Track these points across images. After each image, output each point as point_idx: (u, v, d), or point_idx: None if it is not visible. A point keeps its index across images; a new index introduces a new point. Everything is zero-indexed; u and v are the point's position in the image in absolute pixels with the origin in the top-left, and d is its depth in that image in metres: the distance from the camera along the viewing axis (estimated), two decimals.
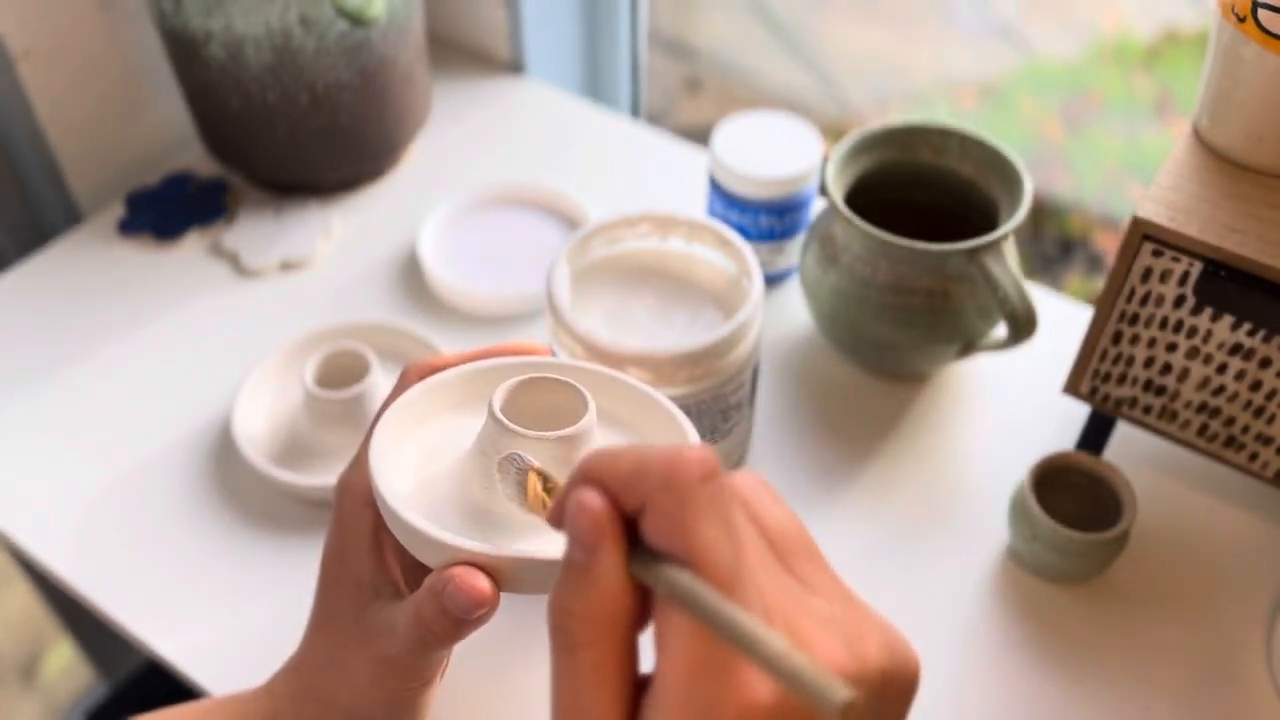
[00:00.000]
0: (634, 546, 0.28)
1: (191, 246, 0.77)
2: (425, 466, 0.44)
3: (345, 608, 0.43)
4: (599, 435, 0.43)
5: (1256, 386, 0.52)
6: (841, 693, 0.25)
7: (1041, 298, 0.72)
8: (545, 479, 0.39)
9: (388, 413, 0.43)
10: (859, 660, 0.29)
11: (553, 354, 0.49)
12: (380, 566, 0.43)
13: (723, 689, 0.27)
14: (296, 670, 0.45)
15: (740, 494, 0.31)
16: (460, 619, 0.38)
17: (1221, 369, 0.53)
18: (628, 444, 0.31)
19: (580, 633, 0.28)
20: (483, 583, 0.38)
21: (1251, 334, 0.51)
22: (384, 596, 0.42)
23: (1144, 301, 0.53)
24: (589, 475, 0.29)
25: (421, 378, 0.45)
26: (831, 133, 1.01)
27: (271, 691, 0.45)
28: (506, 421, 0.41)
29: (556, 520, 0.30)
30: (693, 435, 0.43)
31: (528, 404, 0.43)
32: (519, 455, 0.40)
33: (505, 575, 0.39)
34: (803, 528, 0.32)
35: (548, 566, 0.38)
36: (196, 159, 0.83)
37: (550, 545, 0.41)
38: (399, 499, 0.40)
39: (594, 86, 0.98)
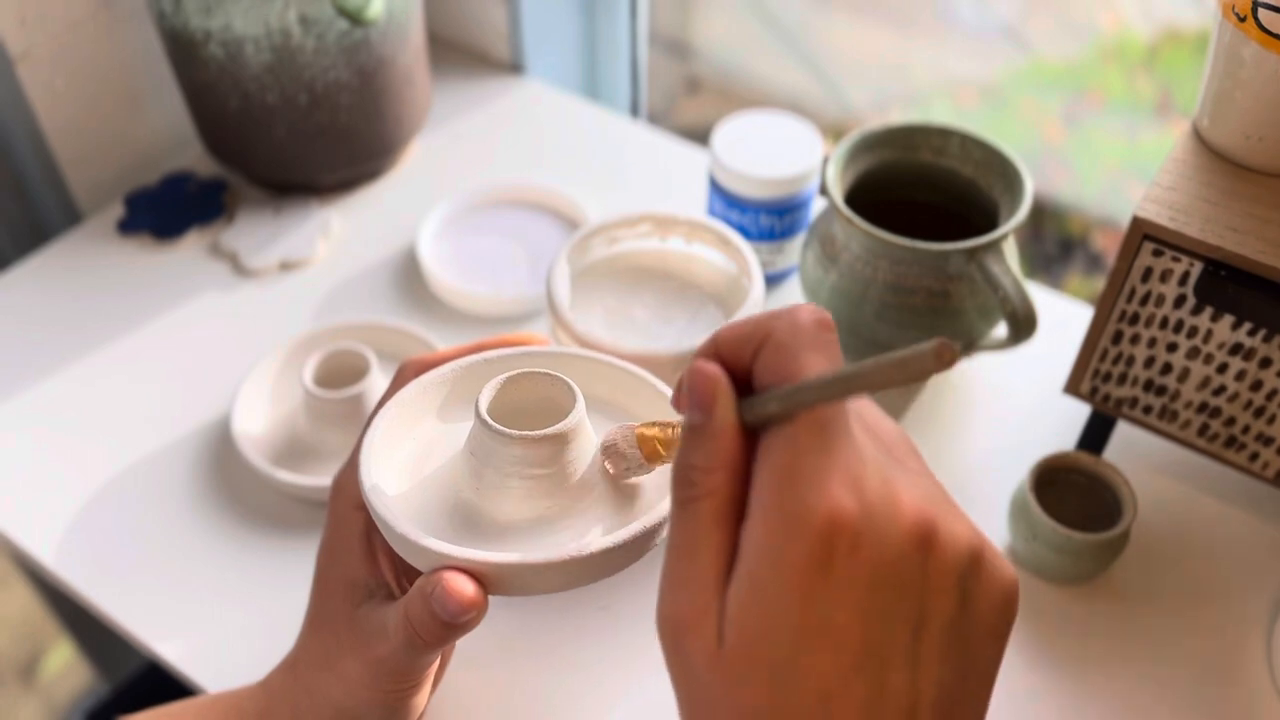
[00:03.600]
0: (744, 398, 0.31)
1: (191, 246, 0.77)
2: (419, 466, 0.44)
3: (338, 608, 0.43)
4: (589, 427, 0.43)
5: (1257, 386, 0.52)
6: (932, 342, 0.27)
7: (1042, 298, 0.72)
8: (653, 422, 0.40)
9: (380, 413, 0.43)
10: (949, 526, 0.30)
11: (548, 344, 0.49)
12: (372, 568, 0.43)
13: (811, 492, 0.28)
14: (291, 668, 0.45)
15: (855, 406, 0.32)
16: (448, 623, 0.39)
17: (1222, 369, 0.53)
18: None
19: (702, 482, 0.30)
20: (470, 588, 0.38)
21: (1252, 334, 0.51)
22: (376, 597, 0.42)
23: (1144, 301, 0.52)
24: (715, 342, 0.32)
25: (417, 375, 0.45)
26: (832, 133, 1.01)
27: (267, 688, 0.45)
28: (491, 422, 0.40)
29: (681, 400, 0.32)
30: None
31: (520, 399, 0.43)
32: (620, 428, 0.41)
33: (493, 579, 0.39)
34: (910, 440, 0.33)
35: (535, 570, 0.39)
36: (196, 159, 0.83)
37: (537, 548, 0.41)
38: (387, 504, 0.40)
39: (594, 86, 0.98)
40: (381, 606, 0.42)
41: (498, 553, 0.39)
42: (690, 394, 0.31)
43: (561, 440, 0.41)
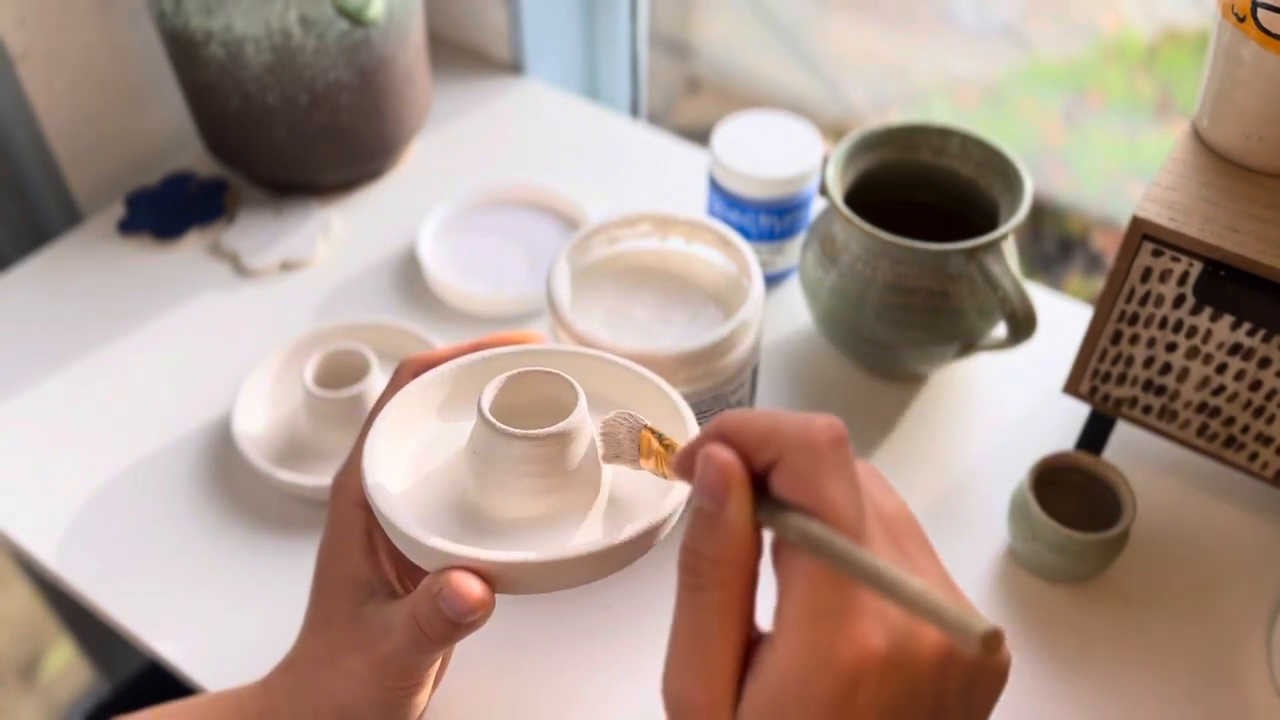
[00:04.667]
0: (759, 498, 0.31)
1: (191, 246, 0.77)
2: (421, 464, 0.44)
3: (340, 606, 0.43)
4: (591, 425, 0.43)
5: (1256, 386, 0.52)
6: (983, 623, 0.26)
7: (1041, 297, 0.72)
8: (660, 436, 0.40)
9: (382, 412, 0.43)
10: (936, 644, 0.30)
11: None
12: (374, 566, 0.43)
13: (841, 634, 0.28)
14: (292, 667, 0.45)
15: (865, 484, 0.32)
16: (455, 622, 0.39)
17: (1221, 369, 0.53)
18: (762, 409, 0.33)
19: (709, 573, 0.30)
20: (477, 587, 0.38)
21: (1251, 334, 0.51)
22: (379, 596, 0.42)
23: (1144, 301, 0.53)
24: (722, 431, 0.31)
25: (415, 373, 0.45)
26: (832, 133, 1.01)
27: (267, 687, 0.45)
28: (494, 421, 0.40)
29: (684, 470, 0.32)
30: (687, 413, 0.44)
31: (521, 397, 0.43)
32: (630, 414, 0.41)
33: (499, 578, 0.39)
34: (913, 516, 0.33)
35: (542, 568, 0.39)
36: (196, 159, 0.83)
37: (542, 546, 0.41)
38: (391, 504, 0.40)
39: (594, 86, 0.98)
40: (385, 605, 0.42)
41: (504, 551, 0.39)
42: (703, 480, 0.31)
43: (565, 439, 0.41)
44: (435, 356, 0.46)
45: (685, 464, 0.32)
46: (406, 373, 0.45)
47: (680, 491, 0.41)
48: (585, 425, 0.42)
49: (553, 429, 0.40)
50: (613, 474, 0.44)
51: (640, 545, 0.40)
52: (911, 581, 0.28)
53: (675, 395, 0.44)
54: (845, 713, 0.28)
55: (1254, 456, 0.55)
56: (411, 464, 0.43)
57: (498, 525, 0.42)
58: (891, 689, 0.29)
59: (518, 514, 0.42)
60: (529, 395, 0.43)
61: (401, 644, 0.40)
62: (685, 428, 0.43)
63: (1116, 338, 0.54)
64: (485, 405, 0.41)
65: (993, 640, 0.27)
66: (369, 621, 0.42)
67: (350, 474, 0.44)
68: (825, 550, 0.29)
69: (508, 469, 0.41)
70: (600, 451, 0.42)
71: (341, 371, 0.63)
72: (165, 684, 0.65)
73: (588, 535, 0.41)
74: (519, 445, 0.40)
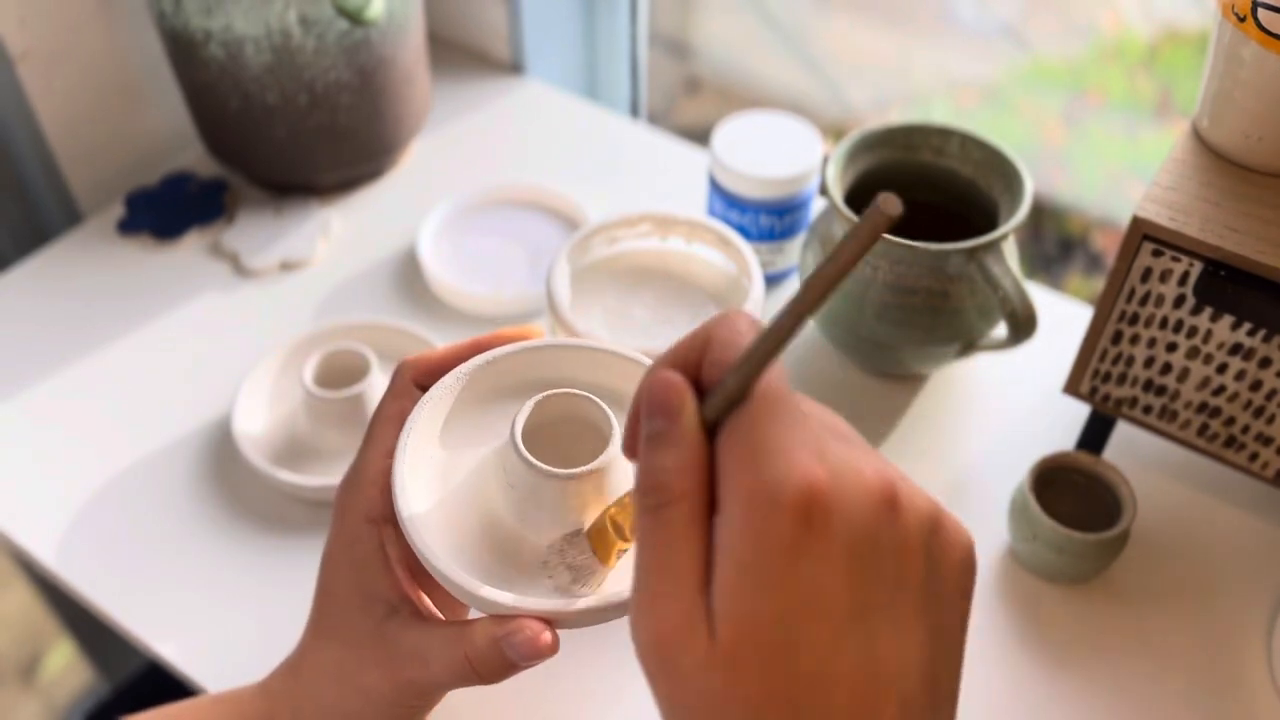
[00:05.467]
0: (702, 400, 0.32)
1: (191, 246, 0.77)
2: (442, 488, 0.43)
3: (356, 621, 0.42)
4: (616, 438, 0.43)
5: (1256, 386, 0.52)
6: (875, 202, 0.28)
7: (1041, 297, 0.72)
8: (611, 508, 0.40)
9: (401, 446, 0.42)
10: (909, 490, 0.31)
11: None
12: (392, 583, 0.42)
13: (781, 467, 0.29)
14: (295, 673, 0.45)
15: (796, 395, 0.33)
16: (516, 665, 0.39)
17: (1221, 369, 0.53)
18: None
19: (674, 485, 0.30)
20: (549, 636, 0.39)
21: (1251, 334, 0.51)
22: (401, 615, 0.42)
23: (1144, 301, 0.52)
24: (658, 364, 0.32)
25: (415, 375, 0.45)
26: (832, 133, 1.01)
27: (267, 691, 0.45)
28: (531, 459, 0.40)
29: (632, 439, 0.33)
30: None
31: (547, 413, 0.43)
32: (569, 540, 0.41)
33: (562, 622, 0.40)
34: (851, 426, 0.34)
35: (604, 611, 0.40)
36: (196, 159, 0.83)
37: (604, 590, 0.41)
38: (435, 550, 0.40)
39: (594, 86, 0.98)
40: (412, 627, 0.41)
41: (571, 600, 0.40)
42: (651, 403, 0.31)
43: (601, 474, 0.41)
44: (434, 357, 0.46)
45: (633, 428, 0.33)
46: (405, 374, 0.45)
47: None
48: (619, 455, 0.42)
49: (590, 467, 0.40)
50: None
51: None
52: (816, 268, 0.29)
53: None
54: (806, 555, 0.28)
55: (1254, 457, 0.55)
56: (433, 489, 0.43)
57: (535, 553, 0.42)
58: (844, 527, 0.29)
59: (554, 539, 0.42)
60: (555, 411, 0.43)
61: (444, 676, 0.41)
62: None
63: (1117, 338, 0.54)
64: (519, 439, 0.41)
65: (887, 204, 0.28)
66: (396, 643, 0.41)
67: (356, 487, 0.44)
68: (749, 360, 0.30)
69: (546, 503, 0.41)
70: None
71: (341, 372, 0.63)
72: (165, 684, 0.65)
73: (621, 560, 0.42)
74: (556, 482, 0.40)
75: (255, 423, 0.65)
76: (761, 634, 0.29)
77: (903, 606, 0.30)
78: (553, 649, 0.39)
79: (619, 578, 0.42)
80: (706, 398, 0.31)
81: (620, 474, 0.42)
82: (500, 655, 0.39)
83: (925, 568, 0.31)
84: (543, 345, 0.45)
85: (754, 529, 0.29)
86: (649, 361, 0.45)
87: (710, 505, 0.31)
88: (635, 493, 0.31)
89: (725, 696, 0.29)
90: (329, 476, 0.61)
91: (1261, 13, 0.47)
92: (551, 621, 0.40)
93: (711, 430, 0.31)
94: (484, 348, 0.45)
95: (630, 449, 0.33)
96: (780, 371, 0.31)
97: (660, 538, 0.30)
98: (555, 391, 0.42)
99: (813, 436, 0.30)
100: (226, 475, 0.64)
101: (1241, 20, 0.48)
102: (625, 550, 0.40)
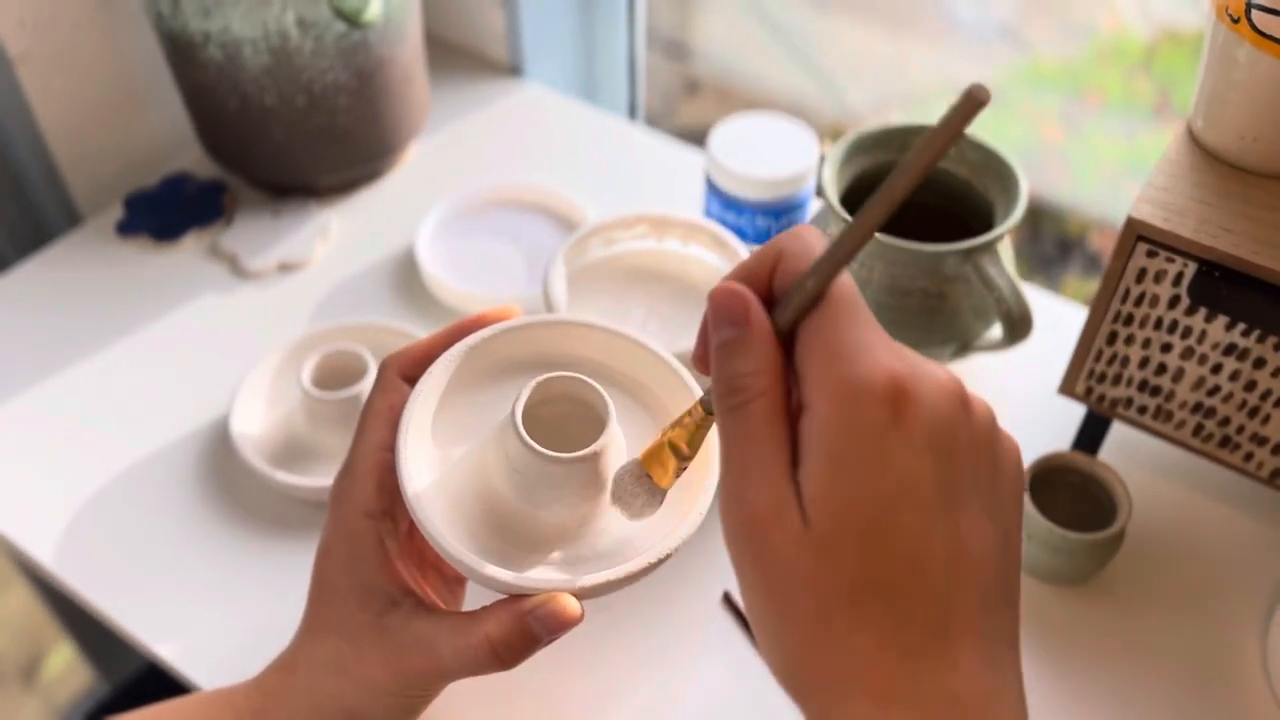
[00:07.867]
0: (773, 307, 0.33)
1: (190, 248, 0.77)
2: (444, 469, 0.44)
3: (354, 615, 0.43)
4: (619, 431, 0.43)
5: (1251, 387, 0.52)
6: (963, 92, 0.28)
7: (1037, 298, 0.72)
8: (669, 429, 0.40)
9: (401, 438, 0.42)
10: (973, 392, 0.32)
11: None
12: (392, 577, 0.43)
13: (867, 362, 0.30)
14: (290, 669, 0.45)
15: None
16: (541, 640, 0.40)
17: (1216, 369, 0.53)
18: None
19: (752, 386, 0.31)
20: (576, 606, 0.40)
21: (1246, 334, 0.51)
22: (404, 607, 0.42)
23: (1139, 302, 0.53)
24: (727, 278, 0.33)
25: (401, 369, 0.45)
26: (831, 134, 1.01)
27: (261, 687, 0.45)
28: (533, 444, 0.41)
29: (703, 349, 0.34)
30: (687, 376, 0.45)
31: (545, 396, 0.43)
32: (624, 467, 0.41)
33: (581, 595, 0.41)
34: None
35: (621, 581, 0.41)
36: (195, 160, 0.84)
37: (603, 557, 0.42)
38: (465, 552, 0.40)
39: (591, 88, 0.98)
40: (416, 618, 0.42)
41: (591, 574, 0.40)
42: (719, 314, 0.32)
43: (600, 456, 0.42)
44: (417, 349, 0.46)
45: (703, 341, 0.34)
46: (390, 371, 0.45)
47: (714, 475, 0.42)
48: (617, 435, 0.42)
49: (590, 450, 0.41)
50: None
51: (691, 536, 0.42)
52: (902, 160, 0.29)
53: (675, 362, 0.45)
54: (893, 443, 0.30)
55: (1249, 457, 0.55)
56: (434, 469, 0.43)
57: (544, 535, 0.43)
58: (927, 417, 0.30)
59: (563, 520, 0.43)
60: (553, 392, 0.43)
61: (452, 665, 0.41)
62: (677, 377, 0.45)
63: (1112, 338, 0.55)
64: (519, 425, 0.41)
65: (977, 91, 0.29)
66: (401, 635, 0.42)
67: (350, 482, 0.44)
68: (828, 259, 0.31)
69: (548, 484, 0.42)
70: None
71: (339, 372, 0.64)
72: (165, 685, 0.65)
73: (629, 536, 0.43)
74: (559, 465, 0.41)
75: (253, 423, 0.65)
76: (854, 521, 0.30)
77: (977, 502, 0.31)
78: (580, 618, 0.40)
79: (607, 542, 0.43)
80: (782, 302, 0.32)
81: (616, 454, 0.43)
82: (525, 632, 0.40)
83: (990, 465, 0.32)
84: (523, 324, 0.46)
85: (844, 419, 0.30)
86: (629, 334, 0.46)
87: (788, 397, 0.32)
88: (715, 398, 0.33)
89: (818, 577, 0.30)
90: (327, 477, 0.61)
91: (1255, 14, 0.48)
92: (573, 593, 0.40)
93: (786, 336, 0.32)
94: (465, 331, 0.45)
95: (701, 360, 0.34)
96: (850, 279, 0.32)
97: (745, 430, 0.31)
98: (550, 375, 0.43)
99: (887, 337, 0.31)
100: (225, 476, 0.64)
101: (1235, 22, 0.48)
102: (684, 469, 0.40)
